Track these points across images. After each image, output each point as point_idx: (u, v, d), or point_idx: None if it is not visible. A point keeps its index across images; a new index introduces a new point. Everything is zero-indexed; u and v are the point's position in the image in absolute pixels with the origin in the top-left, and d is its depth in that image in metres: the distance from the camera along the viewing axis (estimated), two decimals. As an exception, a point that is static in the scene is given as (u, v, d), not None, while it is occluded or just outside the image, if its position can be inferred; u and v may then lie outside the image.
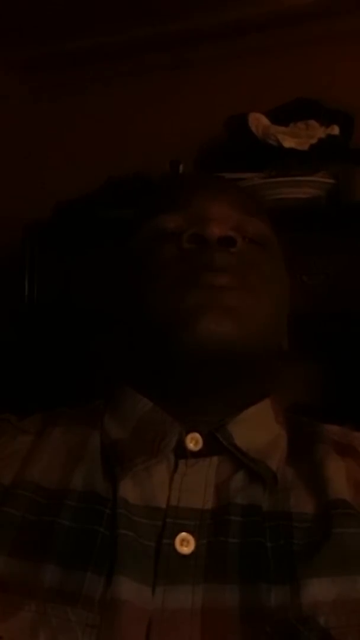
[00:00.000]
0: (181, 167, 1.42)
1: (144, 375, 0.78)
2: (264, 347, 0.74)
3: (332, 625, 0.61)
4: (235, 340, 0.70)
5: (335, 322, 1.26)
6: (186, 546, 0.66)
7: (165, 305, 0.72)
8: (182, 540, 0.66)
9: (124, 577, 0.63)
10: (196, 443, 0.73)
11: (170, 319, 0.71)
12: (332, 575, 0.63)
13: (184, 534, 0.67)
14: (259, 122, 1.42)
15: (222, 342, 0.70)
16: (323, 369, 1.37)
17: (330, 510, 0.69)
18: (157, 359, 0.75)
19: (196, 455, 0.73)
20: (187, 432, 0.74)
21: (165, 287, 0.73)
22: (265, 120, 1.42)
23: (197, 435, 0.74)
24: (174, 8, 1.54)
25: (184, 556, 0.65)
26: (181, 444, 0.73)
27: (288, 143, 1.38)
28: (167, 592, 0.63)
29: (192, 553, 0.66)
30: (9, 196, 1.61)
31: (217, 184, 0.88)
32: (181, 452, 0.73)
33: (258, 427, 0.76)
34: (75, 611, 0.62)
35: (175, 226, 0.78)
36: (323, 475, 0.73)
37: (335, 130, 1.41)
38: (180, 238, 0.75)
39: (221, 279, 0.72)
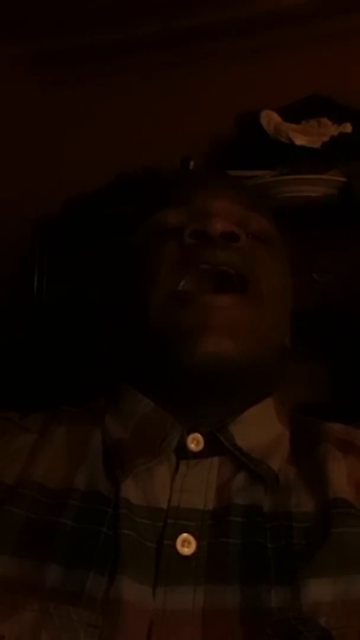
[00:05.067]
0: (192, 164, 1.42)
1: (145, 379, 0.78)
2: (266, 356, 0.75)
3: (332, 626, 0.60)
4: (235, 358, 0.71)
5: (346, 320, 1.25)
6: (187, 547, 0.66)
7: (164, 318, 0.73)
8: (183, 541, 0.66)
9: (126, 578, 0.63)
10: (197, 443, 0.73)
11: (170, 337, 0.72)
12: (332, 576, 0.63)
13: (185, 534, 0.67)
14: (270, 119, 1.41)
15: (221, 361, 0.70)
16: (332, 367, 1.36)
17: (331, 509, 0.69)
18: (157, 370, 0.75)
19: (197, 455, 0.73)
20: (189, 433, 0.74)
21: (166, 299, 0.73)
22: (277, 118, 1.41)
23: (198, 436, 0.74)
24: (185, 4, 1.53)
25: (185, 557, 0.66)
26: (182, 445, 0.73)
27: (300, 141, 1.37)
28: (168, 592, 0.63)
29: (193, 554, 0.66)
30: (18, 192, 1.61)
31: (219, 180, 0.88)
32: (182, 452, 0.73)
33: (260, 427, 0.76)
34: (77, 611, 0.62)
35: (177, 221, 0.78)
36: (324, 474, 0.73)
37: (348, 128, 1.39)
38: (182, 233, 0.75)
39: (221, 300, 0.72)
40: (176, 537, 0.66)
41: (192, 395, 0.74)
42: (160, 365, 0.73)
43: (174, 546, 0.66)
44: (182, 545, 0.66)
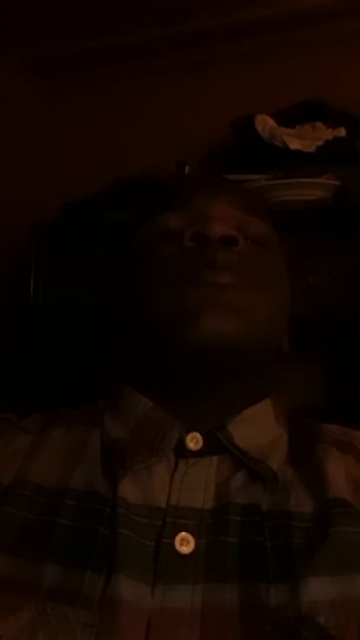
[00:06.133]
0: (187, 168, 1.42)
1: (145, 373, 0.78)
2: (265, 346, 0.75)
3: (331, 625, 0.60)
4: (237, 337, 0.70)
5: (341, 324, 1.25)
6: (186, 546, 0.66)
7: (166, 303, 0.72)
8: (182, 539, 0.66)
9: (124, 577, 0.63)
10: (196, 442, 0.73)
11: (173, 317, 0.71)
12: (331, 574, 0.63)
13: (183, 533, 0.67)
14: (265, 123, 1.41)
15: (224, 339, 0.70)
16: (328, 371, 1.36)
17: (330, 509, 0.69)
18: (158, 356, 0.75)
19: (196, 454, 0.73)
20: (188, 432, 0.74)
21: (167, 286, 0.73)
22: (271, 122, 1.42)
23: (197, 435, 0.74)
24: (182, 9, 1.53)
25: (184, 556, 0.65)
26: (181, 444, 0.73)
27: (294, 145, 1.37)
28: (167, 591, 0.63)
29: (192, 553, 0.66)
30: (15, 196, 1.61)
31: (219, 184, 0.89)
32: (181, 451, 0.73)
33: (258, 427, 0.77)
34: (74, 611, 0.62)
35: (177, 225, 0.78)
36: (322, 474, 0.73)
37: (342, 132, 1.40)
38: (182, 237, 0.75)
39: (223, 277, 0.72)
40: (175, 536, 0.66)
41: (193, 377, 0.74)
42: (162, 348, 0.73)
43: (172, 545, 0.66)
44: (181, 544, 0.66)
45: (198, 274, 0.72)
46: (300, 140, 1.38)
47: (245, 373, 0.75)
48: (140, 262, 0.78)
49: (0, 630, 0.61)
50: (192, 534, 0.67)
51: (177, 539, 0.66)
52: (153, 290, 0.74)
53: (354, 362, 1.28)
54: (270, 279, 0.77)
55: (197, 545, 0.66)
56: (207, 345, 0.70)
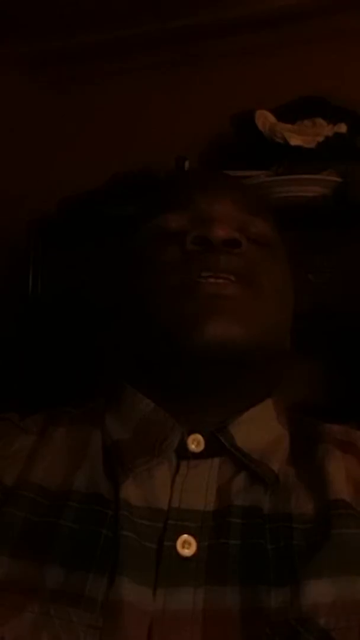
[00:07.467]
0: (187, 164, 1.42)
1: (146, 375, 0.78)
2: (268, 350, 0.74)
3: (332, 627, 0.61)
4: (241, 344, 0.70)
5: (342, 321, 1.25)
6: (187, 548, 0.66)
7: (170, 309, 0.72)
8: (184, 542, 0.66)
9: (126, 579, 0.63)
10: (198, 444, 0.73)
11: (175, 323, 0.71)
12: (332, 576, 0.63)
13: (185, 536, 0.67)
14: (265, 119, 1.41)
15: (228, 345, 0.70)
16: (328, 368, 1.36)
17: (331, 510, 0.69)
18: (159, 359, 0.74)
19: (198, 456, 0.73)
20: (189, 433, 0.74)
21: (169, 293, 0.73)
22: (271, 118, 1.41)
23: (198, 437, 0.74)
24: (182, 4, 1.53)
25: (185, 558, 0.66)
26: (183, 445, 0.73)
27: (295, 141, 1.37)
28: (169, 594, 0.63)
29: (194, 555, 0.66)
30: (14, 191, 1.61)
31: (220, 182, 0.87)
32: (183, 453, 0.73)
33: (260, 428, 0.76)
34: (77, 612, 0.62)
35: (178, 226, 0.78)
36: (323, 475, 0.73)
37: (343, 128, 1.40)
38: (184, 239, 0.75)
39: (225, 288, 0.72)
40: (177, 538, 0.66)
41: (194, 381, 0.73)
42: (164, 352, 0.72)
43: (174, 547, 0.66)
44: (183, 547, 0.66)
45: (200, 280, 0.72)
46: (300, 136, 1.38)
47: (247, 376, 0.75)
48: (142, 264, 0.78)
49: (4, 631, 0.61)
50: (194, 536, 0.67)
51: (179, 541, 0.66)
52: (155, 296, 0.74)
53: (354, 359, 1.27)
54: (274, 281, 0.77)
55: (198, 548, 0.66)
56: (209, 351, 0.70)
